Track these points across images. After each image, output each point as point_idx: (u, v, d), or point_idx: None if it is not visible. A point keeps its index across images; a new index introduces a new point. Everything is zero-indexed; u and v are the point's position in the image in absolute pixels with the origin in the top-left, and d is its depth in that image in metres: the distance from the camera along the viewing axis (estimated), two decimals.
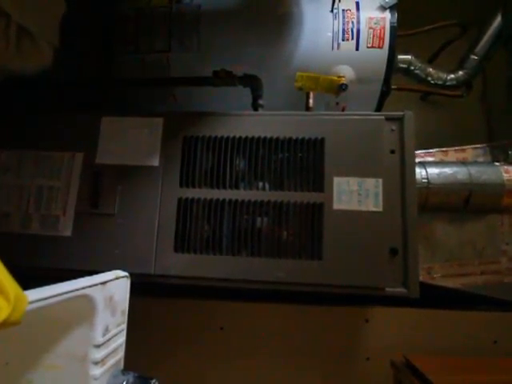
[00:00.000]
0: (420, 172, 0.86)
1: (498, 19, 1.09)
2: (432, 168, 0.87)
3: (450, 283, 0.92)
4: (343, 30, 0.91)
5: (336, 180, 0.68)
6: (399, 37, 0.92)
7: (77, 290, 0.41)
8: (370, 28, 0.91)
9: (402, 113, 0.71)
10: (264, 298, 0.80)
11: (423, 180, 0.86)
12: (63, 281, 0.41)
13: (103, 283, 0.46)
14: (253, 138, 0.72)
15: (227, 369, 0.81)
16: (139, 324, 0.75)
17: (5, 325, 0.29)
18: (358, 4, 0.93)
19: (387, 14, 0.91)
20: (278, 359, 0.81)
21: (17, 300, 0.30)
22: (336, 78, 0.86)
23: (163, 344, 0.82)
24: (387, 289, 0.65)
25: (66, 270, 0.70)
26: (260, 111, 0.82)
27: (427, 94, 1.32)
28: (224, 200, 0.69)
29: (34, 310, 0.33)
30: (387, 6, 0.91)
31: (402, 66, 1.08)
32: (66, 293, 0.39)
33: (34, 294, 0.34)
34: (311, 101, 0.85)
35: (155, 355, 0.81)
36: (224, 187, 0.70)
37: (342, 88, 0.86)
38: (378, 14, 0.91)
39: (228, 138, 0.72)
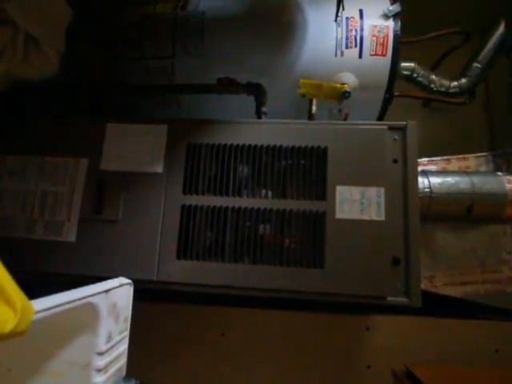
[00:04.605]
0: (422, 181, 0.87)
1: (501, 27, 1.09)
2: (434, 177, 0.87)
3: (451, 292, 0.91)
4: (347, 37, 0.91)
5: (338, 189, 0.68)
6: (402, 44, 0.92)
7: (81, 298, 0.41)
8: (374, 36, 0.91)
9: (404, 122, 0.72)
10: (265, 304, 0.80)
11: (426, 189, 0.86)
12: (66, 286, 0.42)
13: (107, 291, 0.46)
14: (256, 145, 0.72)
15: (228, 375, 0.81)
16: (140, 329, 0.75)
17: (11, 335, 0.29)
18: (361, 12, 0.94)
19: (390, 22, 0.92)
20: (279, 366, 0.81)
21: (23, 310, 0.30)
22: (339, 86, 0.86)
23: (164, 349, 0.82)
24: (389, 298, 0.65)
25: (69, 275, 0.70)
26: (263, 119, 0.83)
27: (429, 100, 1.32)
28: (227, 207, 0.70)
29: (39, 319, 0.34)
30: (390, 14, 0.92)
31: (404, 73, 1.08)
32: (71, 302, 0.39)
33: (40, 304, 0.34)
34: (314, 107, 0.85)
35: (156, 360, 0.81)
36: (227, 194, 0.71)
37: (344, 95, 0.87)
38: (382, 22, 0.92)
39: (231, 145, 0.73)
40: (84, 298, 0.42)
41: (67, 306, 0.38)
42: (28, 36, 0.67)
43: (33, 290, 0.35)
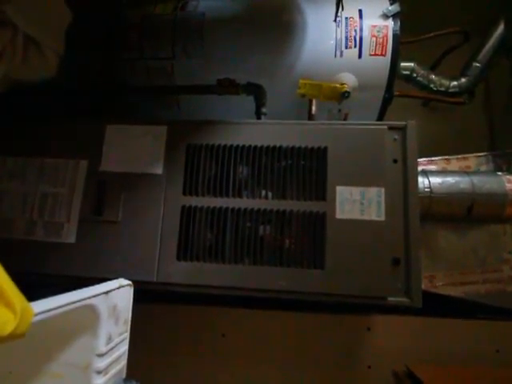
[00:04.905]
0: (422, 181, 0.86)
1: (501, 27, 1.09)
2: (434, 177, 0.87)
3: (452, 292, 0.91)
4: (346, 37, 0.91)
5: (338, 189, 0.68)
6: (402, 44, 0.92)
7: (81, 300, 0.41)
8: (373, 36, 0.91)
9: (404, 122, 0.72)
10: (266, 305, 0.80)
11: (426, 189, 0.86)
12: (66, 287, 0.42)
13: (107, 292, 0.46)
14: (256, 146, 0.72)
15: (229, 376, 0.81)
16: (140, 330, 0.75)
17: (11, 337, 0.29)
18: (360, 12, 0.94)
19: (390, 22, 0.91)
20: (280, 366, 0.81)
21: (23, 312, 0.30)
22: (339, 86, 0.86)
23: (164, 350, 0.82)
24: (390, 298, 0.65)
25: (69, 276, 0.70)
26: (263, 119, 0.83)
27: (429, 100, 1.32)
28: (227, 208, 0.70)
29: (39, 321, 0.34)
30: (390, 14, 0.92)
31: (404, 72, 1.08)
32: (71, 303, 0.39)
33: (40, 306, 0.34)
34: (314, 108, 0.86)
35: (156, 362, 0.81)
36: (227, 195, 0.71)
37: (344, 95, 0.86)
38: (381, 22, 0.92)
39: (231, 146, 0.72)
40: (84, 299, 0.41)
41: (67, 308, 0.38)
42: (27, 38, 0.67)
43: (33, 292, 0.35)
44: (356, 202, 0.67)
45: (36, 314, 0.33)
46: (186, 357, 0.82)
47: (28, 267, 0.71)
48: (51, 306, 0.36)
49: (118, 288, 0.49)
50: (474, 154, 1.00)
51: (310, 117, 0.85)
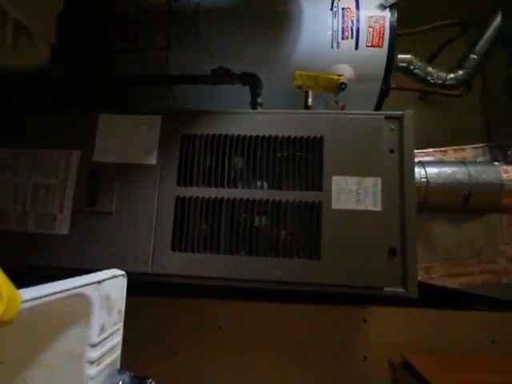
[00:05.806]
0: (419, 171, 0.86)
1: (498, 19, 1.09)
2: (431, 167, 0.87)
3: (448, 283, 0.92)
4: (343, 28, 0.91)
5: (335, 179, 0.68)
6: (399, 36, 0.92)
7: (72, 288, 0.40)
8: (370, 27, 0.90)
9: (401, 112, 0.71)
10: (262, 297, 0.80)
11: (422, 179, 0.85)
12: (60, 279, 0.41)
13: (99, 282, 0.46)
14: (251, 136, 0.71)
15: (226, 368, 0.81)
16: (137, 323, 0.74)
17: None
18: (357, 2, 0.93)
19: (387, 13, 0.91)
20: (277, 358, 0.81)
21: (10, 299, 0.30)
22: (335, 77, 0.85)
23: (161, 343, 0.81)
24: (386, 289, 0.65)
25: (62, 268, 0.69)
26: (259, 109, 0.82)
27: (426, 93, 1.32)
28: (222, 199, 0.69)
29: (28, 308, 0.33)
30: (387, 5, 0.91)
31: (401, 65, 1.07)
32: (61, 292, 0.38)
33: (28, 293, 0.33)
34: (310, 99, 0.85)
35: (153, 355, 0.81)
36: (222, 186, 0.70)
37: (341, 87, 0.86)
38: (378, 13, 0.91)
39: (226, 136, 0.72)
40: (75, 288, 0.41)
41: (57, 297, 0.38)
42: (18, 25, 0.66)
43: (25, 284, 0.35)
44: (352, 192, 0.67)
45: (24, 301, 0.32)
46: (182, 349, 0.81)
47: (21, 259, 0.70)
48: (41, 294, 0.35)
49: (110, 278, 0.48)
50: (471, 146, 1.00)
51: (307, 108, 0.84)
